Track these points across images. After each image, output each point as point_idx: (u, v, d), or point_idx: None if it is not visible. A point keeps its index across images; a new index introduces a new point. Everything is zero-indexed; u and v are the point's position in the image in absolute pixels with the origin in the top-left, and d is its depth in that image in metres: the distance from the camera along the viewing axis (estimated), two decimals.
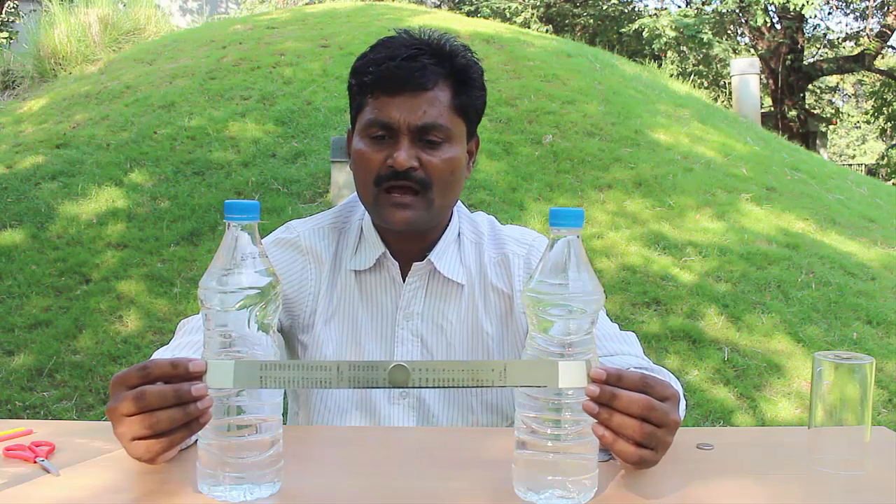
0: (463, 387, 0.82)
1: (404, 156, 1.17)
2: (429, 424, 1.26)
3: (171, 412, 0.84)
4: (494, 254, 1.31)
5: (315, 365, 0.82)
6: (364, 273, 1.28)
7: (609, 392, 0.85)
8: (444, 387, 0.83)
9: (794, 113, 15.27)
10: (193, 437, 0.98)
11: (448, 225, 1.30)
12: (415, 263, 1.27)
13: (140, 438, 0.87)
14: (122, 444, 0.90)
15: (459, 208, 1.36)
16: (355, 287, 1.28)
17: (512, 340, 1.29)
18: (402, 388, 0.82)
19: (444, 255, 1.28)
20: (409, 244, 1.27)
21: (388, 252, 1.27)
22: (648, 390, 0.88)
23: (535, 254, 1.30)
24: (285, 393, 1.40)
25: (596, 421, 0.86)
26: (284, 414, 1.37)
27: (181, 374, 0.84)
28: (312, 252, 1.29)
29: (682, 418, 0.94)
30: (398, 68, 1.18)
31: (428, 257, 1.27)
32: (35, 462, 0.96)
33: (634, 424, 0.86)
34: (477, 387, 0.83)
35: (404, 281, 1.28)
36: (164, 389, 0.84)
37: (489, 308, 1.29)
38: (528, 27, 14.05)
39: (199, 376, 0.84)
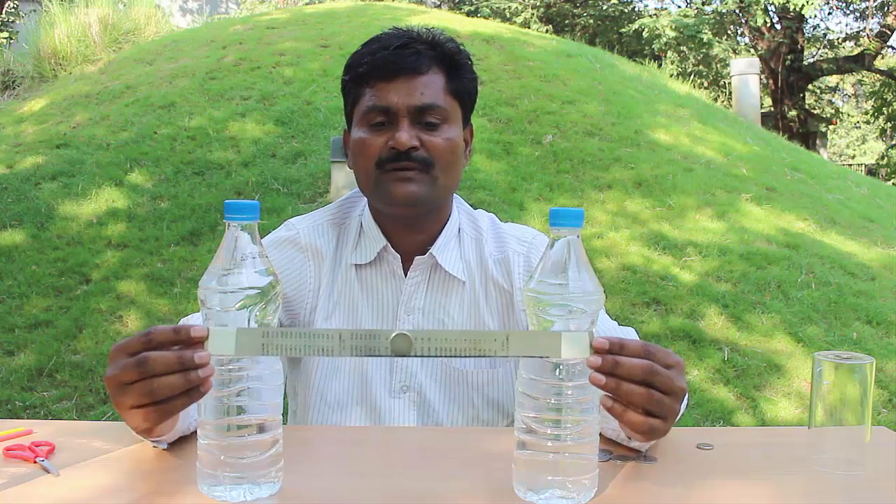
0: (465, 356, 0.82)
1: (405, 135, 1.19)
2: (429, 420, 1.26)
3: (171, 379, 0.83)
4: (496, 252, 1.32)
5: (317, 333, 0.82)
6: (364, 267, 1.29)
7: (611, 360, 0.84)
8: (445, 356, 0.82)
9: (794, 113, 15.28)
10: (193, 425, 1.00)
11: (448, 219, 1.31)
12: (417, 257, 1.27)
13: (139, 407, 0.86)
14: (120, 413, 0.88)
15: (460, 203, 1.36)
16: (356, 281, 1.28)
17: None
18: (404, 356, 0.82)
19: (445, 250, 1.28)
20: (411, 235, 1.28)
21: (389, 245, 1.27)
22: (651, 357, 0.87)
23: (535, 251, 1.31)
24: (285, 392, 1.40)
25: (603, 395, 0.86)
26: (284, 414, 1.37)
27: (183, 339, 0.84)
28: (312, 248, 1.30)
29: (686, 390, 0.93)
30: (393, 55, 1.21)
31: (430, 251, 1.27)
32: (35, 462, 0.96)
33: (642, 392, 0.86)
34: (479, 356, 0.83)
35: (405, 275, 1.28)
36: (167, 356, 0.83)
37: (490, 303, 1.29)
38: (528, 27, 14.05)
39: (201, 342, 0.84)
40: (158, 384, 0.83)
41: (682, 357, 0.95)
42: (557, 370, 0.85)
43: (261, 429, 0.86)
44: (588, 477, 0.87)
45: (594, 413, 0.87)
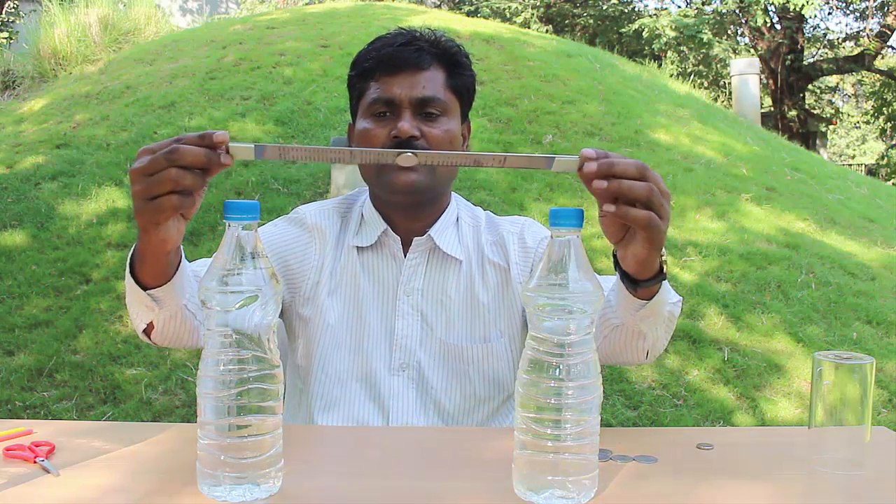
0: (464, 165, 0.92)
1: (407, 125, 1.25)
2: (427, 396, 1.30)
3: (194, 174, 0.91)
4: (491, 237, 1.37)
5: (330, 149, 0.91)
6: (366, 250, 1.34)
7: (606, 162, 0.92)
8: (447, 164, 0.94)
9: (794, 113, 15.28)
10: (188, 306, 1.09)
11: (446, 208, 1.36)
12: (415, 239, 1.32)
13: (156, 197, 0.92)
14: (136, 206, 0.94)
15: (458, 197, 1.42)
16: (358, 263, 1.33)
17: (508, 312, 1.33)
18: (409, 168, 0.93)
19: (443, 233, 1.34)
20: (410, 222, 1.33)
21: (389, 229, 1.33)
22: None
23: (527, 231, 1.37)
24: (285, 391, 1.41)
25: (606, 204, 0.93)
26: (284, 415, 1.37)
27: (208, 143, 0.91)
28: (317, 228, 1.35)
29: (670, 193, 0.99)
30: (397, 52, 1.28)
31: (428, 233, 1.32)
32: (35, 462, 0.96)
33: (644, 185, 0.92)
34: (476, 166, 0.92)
35: (405, 257, 1.33)
36: (197, 149, 0.91)
37: (487, 281, 1.34)
38: (528, 27, 14.05)
39: (223, 145, 0.91)
40: (184, 175, 0.91)
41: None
42: (557, 370, 0.85)
43: (261, 429, 0.86)
44: (588, 477, 0.87)
45: (594, 413, 0.87)
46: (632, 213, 0.93)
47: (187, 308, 1.12)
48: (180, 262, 1.08)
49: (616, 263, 1.07)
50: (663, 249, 1.02)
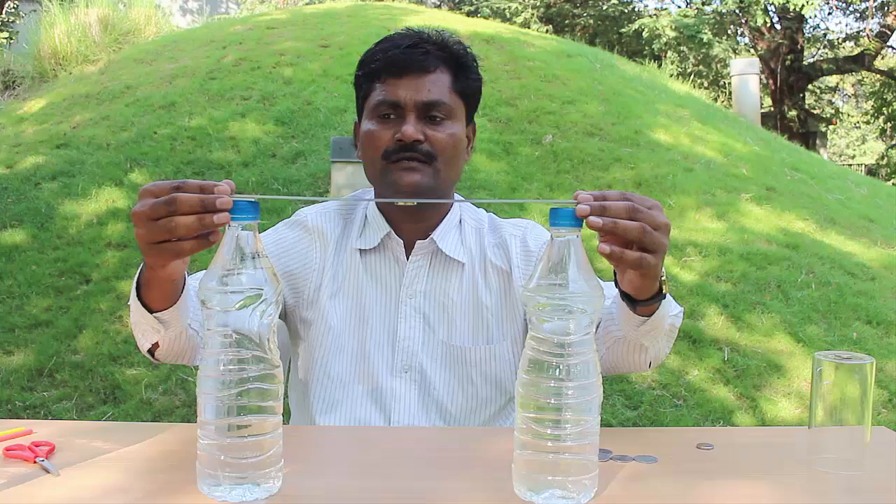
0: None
1: (411, 129, 1.25)
2: (429, 397, 1.30)
3: (190, 220, 0.90)
4: (493, 239, 1.38)
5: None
6: (369, 252, 1.34)
7: (598, 205, 0.92)
8: None
9: (794, 113, 15.28)
10: (191, 322, 1.10)
11: (450, 210, 1.37)
12: (418, 242, 1.32)
13: (159, 242, 0.94)
14: (141, 247, 0.96)
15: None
16: (360, 265, 1.33)
17: (510, 314, 1.33)
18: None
19: (446, 236, 1.34)
20: (414, 224, 1.33)
21: (392, 232, 1.32)
22: (631, 199, 0.95)
23: (530, 234, 1.37)
24: (286, 390, 1.41)
25: (601, 243, 0.93)
26: (285, 413, 1.37)
27: (208, 192, 0.91)
28: (318, 231, 1.35)
29: (670, 225, 0.98)
30: (403, 54, 1.28)
31: (431, 236, 1.32)
32: (35, 462, 0.96)
33: (636, 226, 0.93)
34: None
35: (408, 260, 1.33)
36: (192, 198, 0.90)
37: (490, 284, 1.34)
38: (528, 27, 14.05)
39: (225, 195, 0.90)
40: (177, 222, 0.91)
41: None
42: (557, 370, 0.85)
43: (261, 429, 0.86)
44: (588, 477, 0.87)
45: (594, 413, 0.87)
46: (625, 257, 0.94)
47: (191, 327, 1.14)
48: (184, 283, 1.09)
49: (616, 282, 1.08)
50: (663, 269, 1.02)
